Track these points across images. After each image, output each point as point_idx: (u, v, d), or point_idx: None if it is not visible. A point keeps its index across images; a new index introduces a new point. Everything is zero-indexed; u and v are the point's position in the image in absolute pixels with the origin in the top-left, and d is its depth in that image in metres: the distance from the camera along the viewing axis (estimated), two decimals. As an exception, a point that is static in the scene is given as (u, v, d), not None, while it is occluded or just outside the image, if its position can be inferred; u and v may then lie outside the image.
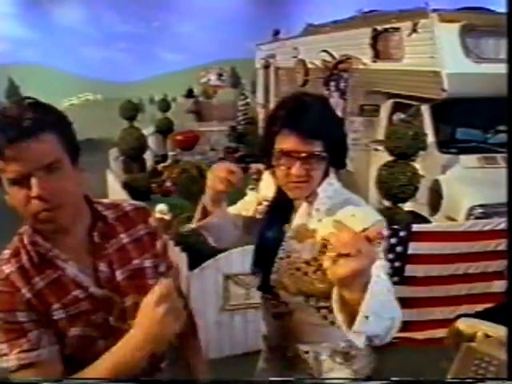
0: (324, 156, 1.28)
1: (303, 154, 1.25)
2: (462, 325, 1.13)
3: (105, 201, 1.27)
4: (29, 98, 1.07)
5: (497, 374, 1.01)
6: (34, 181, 1.00)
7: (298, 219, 1.38)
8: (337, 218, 1.28)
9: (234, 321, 3.34)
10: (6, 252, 1.15)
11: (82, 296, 1.14)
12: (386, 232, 1.27)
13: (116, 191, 5.58)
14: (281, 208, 1.43)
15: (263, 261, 1.43)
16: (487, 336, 1.08)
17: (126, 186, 5.97)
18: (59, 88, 24.46)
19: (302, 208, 1.37)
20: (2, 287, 1.08)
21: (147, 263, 1.25)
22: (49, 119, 1.04)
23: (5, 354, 1.06)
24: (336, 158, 1.34)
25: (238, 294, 3.26)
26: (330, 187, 1.36)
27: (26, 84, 21.05)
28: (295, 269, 1.35)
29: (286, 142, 1.27)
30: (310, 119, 1.26)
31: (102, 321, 1.17)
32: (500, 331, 1.05)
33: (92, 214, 1.19)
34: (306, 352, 1.45)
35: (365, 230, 1.20)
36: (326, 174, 1.34)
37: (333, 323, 1.36)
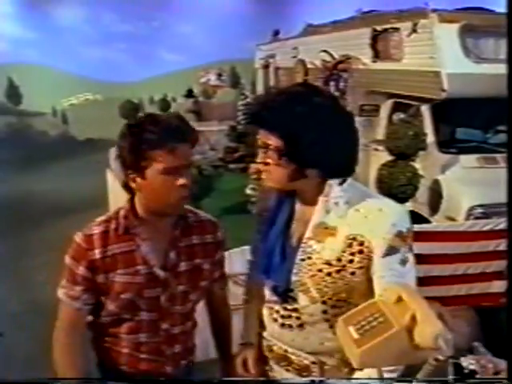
0: (280, 150, 1.28)
1: (264, 147, 1.32)
2: (387, 290, 1.03)
3: (187, 207, 1.51)
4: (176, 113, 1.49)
5: (376, 334, 0.92)
6: (185, 173, 1.35)
7: (315, 218, 1.33)
8: (362, 211, 1.28)
9: (234, 321, 3.33)
10: (101, 217, 1.45)
11: (143, 272, 1.40)
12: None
13: (116, 191, 5.56)
14: (284, 209, 1.40)
15: (273, 266, 1.39)
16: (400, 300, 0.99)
17: (126, 185, 5.94)
18: (59, 88, 24.42)
19: (319, 205, 1.32)
20: (81, 241, 1.40)
21: (206, 266, 1.51)
22: (192, 132, 1.40)
23: (61, 286, 1.44)
24: (304, 158, 1.26)
25: (238, 294, 3.24)
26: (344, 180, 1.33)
27: (26, 84, 21.03)
28: (317, 270, 1.31)
29: (260, 136, 1.34)
30: (269, 113, 1.29)
31: (153, 296, 1.42)
32: (424, 306, 0.96)
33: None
34: (313, 362, 1.42)
35: (394, 224, 1.24)
36: (300, 175, 1.29)
37: None
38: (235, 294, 3.23)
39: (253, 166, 8.63)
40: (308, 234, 1.34)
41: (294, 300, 1.38)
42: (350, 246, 1.28)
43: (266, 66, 9.86)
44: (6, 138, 14.83)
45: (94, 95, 25.61)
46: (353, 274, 1.29)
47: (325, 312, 1.35)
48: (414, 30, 5.07)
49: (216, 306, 1.72)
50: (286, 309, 1.41)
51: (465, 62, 4.73)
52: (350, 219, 1.29)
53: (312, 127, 1.24)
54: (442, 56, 4.73)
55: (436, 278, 3.43)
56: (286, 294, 1.38)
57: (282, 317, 1.42)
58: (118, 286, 1.39)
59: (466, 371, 0.90)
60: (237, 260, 3.11)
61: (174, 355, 1.50)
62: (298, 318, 1.39)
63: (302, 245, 1.34)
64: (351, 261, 1.28)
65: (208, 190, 4.08)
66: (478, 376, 0.89)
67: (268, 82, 9.77)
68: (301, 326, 1.39)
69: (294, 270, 1.35)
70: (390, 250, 1.25)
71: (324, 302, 1.34)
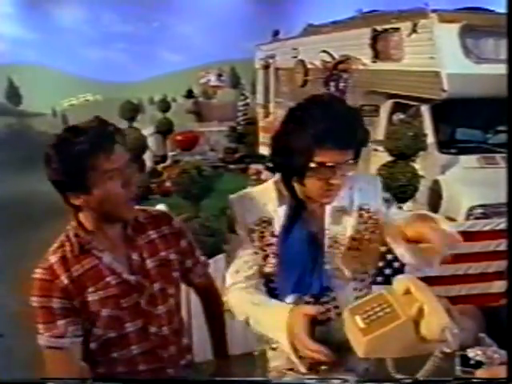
0: (357, 160, 1.36)
1: (342, 164, 1.31)
2: (395, 282, 1.04)
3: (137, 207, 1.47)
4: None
5: (382, 323, 0.93)
6: (126, 173, 1.31)
7: (328, 206, 1.42)
8: (356, 187, 1.45)
9: (233, 321, 3.33)
10: (54, 246, 1.38)
11: (113, 282, 1.36)
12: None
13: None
14: (299, 214, 1.43)
15: (307, 272, 1.40)
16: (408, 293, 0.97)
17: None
18: (59, 88, 24.44)
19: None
20: (44, 275, 1.32)
21: (172, 256, 1.47)
22: (119, 131, 1.36)
23: (40, 333, 1.33)
24: (360, 154, 1.39)
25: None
26: None
27: (26, 84, 21.05)
28: (347, 249, 1.41)
29: (327, 156, 1.28)
30: (347, 132, 1.29)
31: (132, 304, 1.38)
32: (432, 299, 0.93)
33: None
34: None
35: (379, 184, 1.52)
36: None
37: None
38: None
39: (252, 167, 8.65)
40: (328, 220, 1.43)
41: (329, 290, 1.42)
42: (361, 216, 1.45)
43: (266, 67, 9.85)
44: (6, 138, 14.84)
45: (94, 96, 25.62)
46: (369, 240, 1.44)
47: (355, 289, 1.45)
48: (414, 30, 5.07)
49: (204, 298, 1.70)
50: (323, 303, 1.41)
51: (465, 62, 4.73)
52: (350, 196, 1.45)
53: (364, 125, 1.41)
54: (442, 56, 4.73)
55: (436, 278, 3.43)
56: (322, 288, 1.42)
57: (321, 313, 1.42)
58: (94, 305, 1.34)
59: (473, 362, 0.91)
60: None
61: (171, 357, 1.47)
62: (336, 307, 1.42)
63: (326, 232, 1.42)
64: (366, 228, 1.44)
65: (208, 191, 4.07)
66: (484, 367, 0.90)
67: (268, 83, 9.77)
68: (339, 314, 1.36)
69: (326, 259, 1.41)
70: (389, 202, 1.49)
71: (354, 279, 1.44)
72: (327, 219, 1.43)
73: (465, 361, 0.91)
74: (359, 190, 1.46)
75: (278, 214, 1.42)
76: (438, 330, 0.90)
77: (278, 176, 1.47)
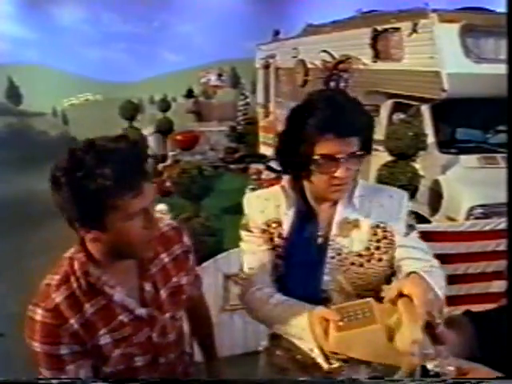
0: (363, 153, 1.30)
1: (346, 156, 1.26)
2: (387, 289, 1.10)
3: None
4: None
5: (358, 325, 1.00)
6: (151, 211, 1.13)
7: (338, 215, 1.37)
8: (376, 201, 1.39)
9: (233, 321, 3.34)
10: (56, 278, 1.17)
11: (126, 320, 1.21)
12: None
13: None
14: (306, 218, 1.39)
15: (309, 276, 1.38)
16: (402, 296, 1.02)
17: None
18: (59, 88, 24.46)
19: (341, 203, 1.37)
20: (49, 319, 1.11)
21: (184, 280, 1.36)
22: (147, 159, 1.16)
23: (44, 377, 1.15)
24: (369, 148, 1.36)
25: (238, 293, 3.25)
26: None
27: (26, 84, 21.06)
28: (350, 264, 1.36)
29: (329, 146, 1.25)
30: (348, 120, 1.25)
31: (144, 339, 1.25)
32: (414, 312, 0.98)
33: None
34: (345, 361, 1.40)
35: (407, 206, 1.42)
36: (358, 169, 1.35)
37: None
38: (235, 293, 3.26)
39: (252, 167, 8.65)
40: (334, 231, 1.37)
41: (329, 301, 1.37)
42: (375, 233, 1.37)
43: (266, 66, 9.85)
44: (7, 138, 14.83)
45: (95, 95, 25.62)
46: (380, 260, 1.37)
47: None
48: (414, 30, 5.07)
49: (196, 309, 1.62)
50: None
51: (465, 61, 4.73)
52: (368, 210, 1.38)
53: (369, 117, 1.38)
54: (442, 56, 4.73)
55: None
56: (320, 298, 1.36)
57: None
58: (106, 347, 1.18)
59: (432, 373, 0.94)
60: (237, 260, 3.11)
61: (176, 379, 1.41)
62: None
63: (330, 242, 1.37)
64: (378, 247, 1.37)
65: (208, 190, 4.08)
66: (442, 378, 0.93)
67: (268, 82, 9.77)
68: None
69: (326, 270, 1.36)
70: (409, 229, 1.39)
71: (358, 295, 1.35)
72: (334, 229, 1.37)
73: (424, 372, 0.95)
74: (380, 206, 1.38)
75: (288, 216, 1.40)
76: (409, 342, 0.94)
77: (285, 180, 1.44)
